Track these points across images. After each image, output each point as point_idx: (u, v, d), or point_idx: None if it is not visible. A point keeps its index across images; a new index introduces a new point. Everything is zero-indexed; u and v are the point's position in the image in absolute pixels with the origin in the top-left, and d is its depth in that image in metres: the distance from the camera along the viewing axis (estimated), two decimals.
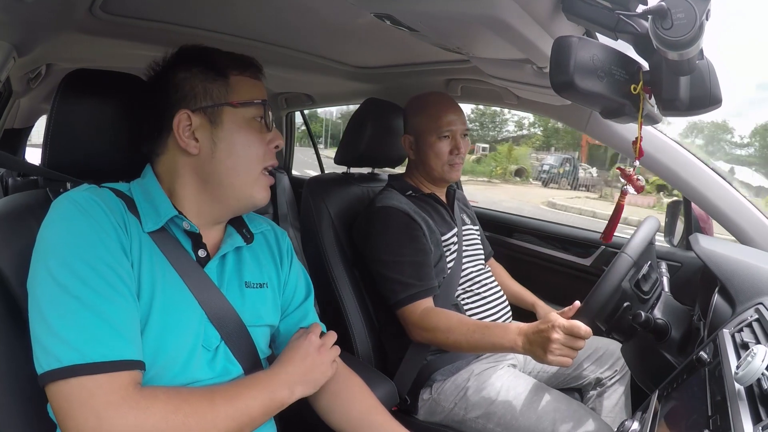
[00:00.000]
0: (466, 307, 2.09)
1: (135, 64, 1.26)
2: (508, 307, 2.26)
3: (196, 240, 1.22)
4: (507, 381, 1.93)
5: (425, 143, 2.12)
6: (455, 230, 2.17)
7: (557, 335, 1.53)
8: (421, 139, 2.13)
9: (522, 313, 2.56)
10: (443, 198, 2.25)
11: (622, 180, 1.37)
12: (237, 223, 1.34)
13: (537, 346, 1.57)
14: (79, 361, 0.93)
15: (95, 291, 0.98)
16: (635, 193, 1.38)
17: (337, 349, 1.38)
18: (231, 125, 1.21)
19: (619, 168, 1.38)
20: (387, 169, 2.59)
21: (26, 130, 5.19)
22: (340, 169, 2.50)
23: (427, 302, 1.92)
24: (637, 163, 1.30)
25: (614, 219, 1.41)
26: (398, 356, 2.05)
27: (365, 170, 2.55)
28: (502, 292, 2.26)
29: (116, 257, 1.04)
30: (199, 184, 1.22)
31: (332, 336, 1.38)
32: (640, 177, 1.36)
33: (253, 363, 1.26)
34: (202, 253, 1.22)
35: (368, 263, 2.01)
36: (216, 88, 1.21)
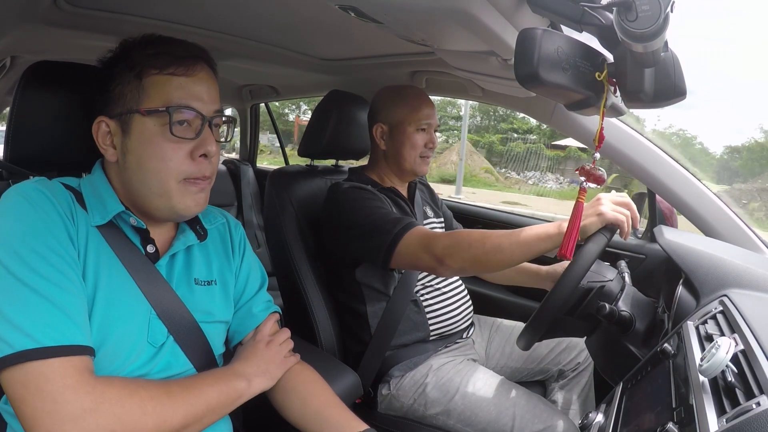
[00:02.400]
0: (425, 303, 2.08)
1: (100, 56, 1.23)
2: (470, 301, 2.26)
3: (144, 236, 1.20)
4: (467, 376, 1.93)
5: (402, 133, 2.10)
6: None
7: (604, 196, 1.54)
8: (398, 128, 2.11)
9: (483, 307, 2.57)
10: (404, 192, 2.24)
11: (581, 178, 1.37)
12: (191, 220, 1.31)
13: (586, 218, 1.49)
14: (31, 345, 0.92)
15: (45, 278, 0.98)
16: (597, 186, 1.39)
17: (289, 344, 1.42)
18: (139, 135, 1.13)
19: (578, 169, 1.38)
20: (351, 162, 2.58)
21: None
22: None
23: (426, 228, 1.80)
24: (597, 155, 1.30)
25: (571, 227, 1.39)
26: (359, 349, 2.05)
27: (329, 162, 2.53)
28: (463, 286, 2.25)
29: (64, 245, 1.03)
30: (126, 190, 1.19)
31: (284, 333, 1.43)
32: (600, 168, 1.37)
33: (206, 359, 1.25)
34: (150, 248, 1.20)
35: (346, 239, 1.93)
36: (130, 92, 1.13)
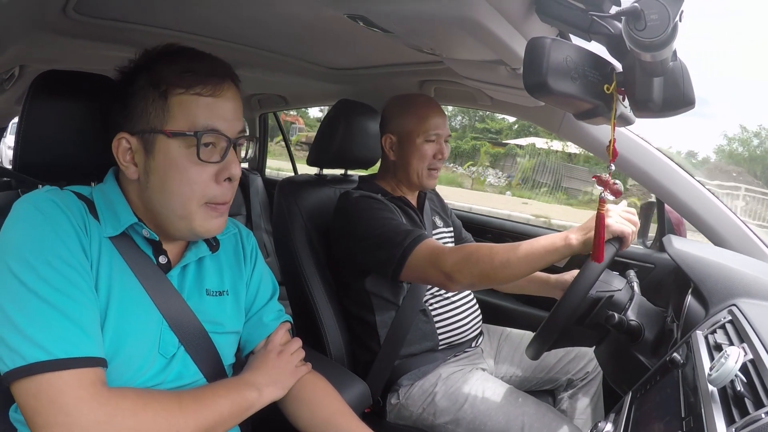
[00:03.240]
0: (434, 312, 2.07)
1: (108, 65, 1.23)
2: (479, 311, 2.25)
3: (157, 247, 1.20)
4: (476, 385, 1.92)
5: (410, 144, 2.08)
6: None
7: (612, 208, 1.57)
8: (407, 139, 2.09)
9: (492, 316, 2.56)
10: (413, 201, 2.22)
11: (599, 187, 1.37)
12: None
13: (593, 229, 1.46)
14: (43, 357, 0.92)
15: (57, 290, 0.97)
16: (614, 198, 1.38)
17: (300, 354, 1.41)
18: (163, 157, 1.10)
19: (595, 176, 1.38)
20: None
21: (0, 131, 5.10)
22: None
23: (435, 242, 1.80)
24: (612, 166, 1.30)
25: (599, 235, 1.40)
26: (368, 359, 2.04)
27: (338, 172, 2.53)
28: (471, 296, 2.23)
29: (77, 257, 1.03)
30: (144, 207, 1.17)
31: (295, 342, 1.42)
32: (617, 181, 1.36)
33: (215, 370, 1.25)
34: (163, 259, 1.20)
35: (356, 250, 1.92)
36: (154, 110, 1.10)
